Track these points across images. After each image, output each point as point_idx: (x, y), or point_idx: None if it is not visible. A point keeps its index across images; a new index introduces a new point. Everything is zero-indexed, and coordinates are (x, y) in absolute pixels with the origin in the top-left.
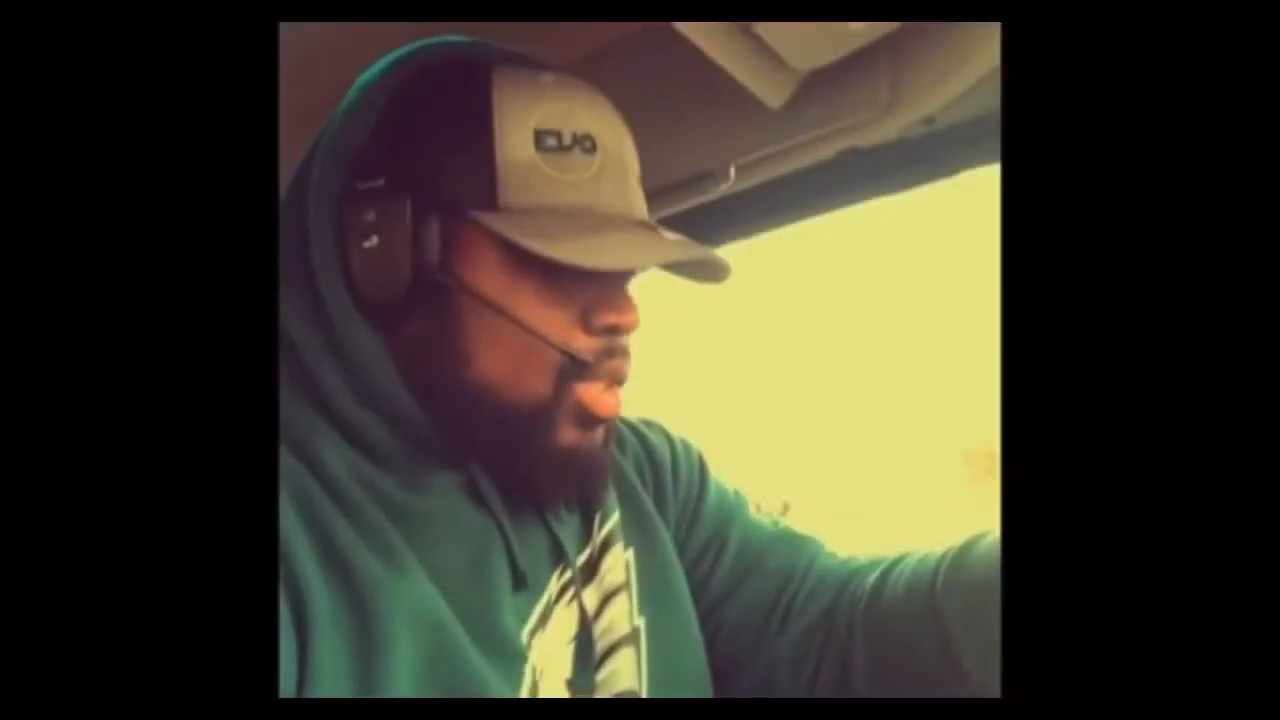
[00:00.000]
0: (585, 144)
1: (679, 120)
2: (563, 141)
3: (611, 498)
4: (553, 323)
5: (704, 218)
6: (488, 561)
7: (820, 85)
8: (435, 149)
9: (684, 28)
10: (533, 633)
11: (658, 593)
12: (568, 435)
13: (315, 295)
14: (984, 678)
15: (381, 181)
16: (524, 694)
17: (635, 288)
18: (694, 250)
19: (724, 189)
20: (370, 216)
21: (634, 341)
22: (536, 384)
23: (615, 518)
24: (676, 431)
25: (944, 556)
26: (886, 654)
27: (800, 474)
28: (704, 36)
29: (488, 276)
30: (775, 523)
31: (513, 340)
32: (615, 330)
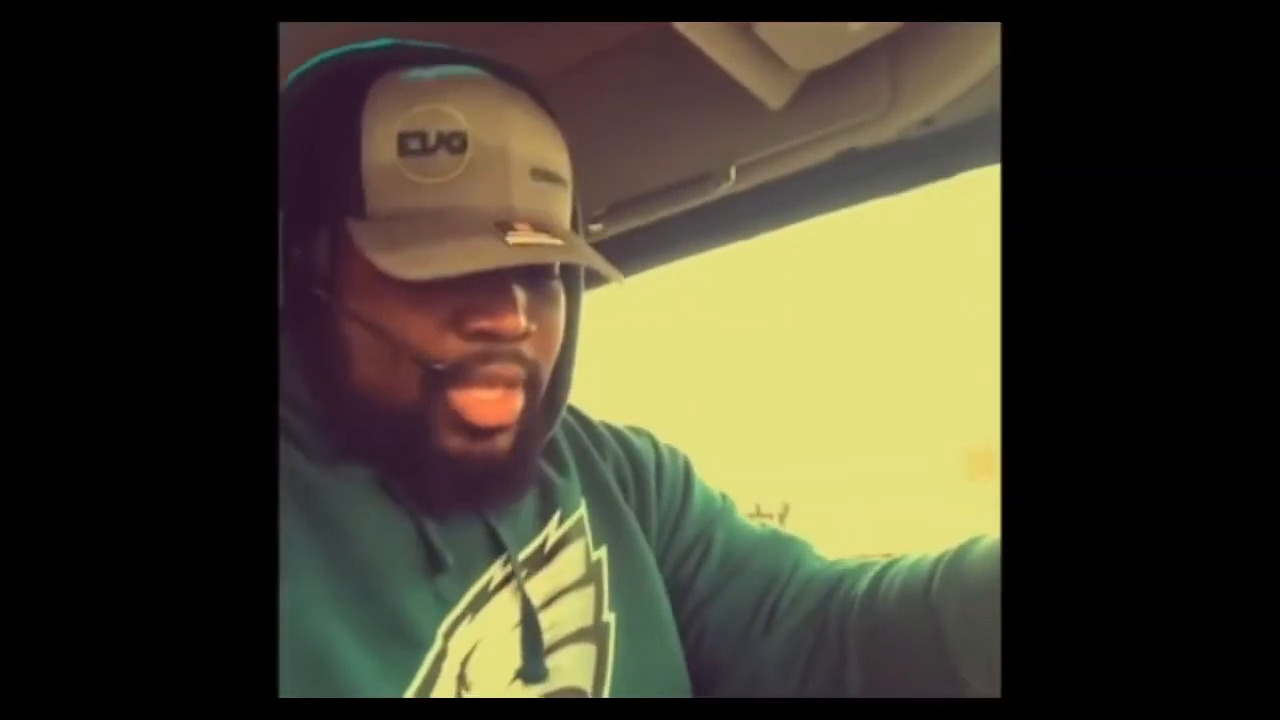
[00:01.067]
0: (453, 143)
1: (679, 121)
2: (426, 143)
3: (575, 495)
4: (420, 329)
5: (704, 218)
6: (398, 549)
7: (820, 86)
8: (313, 161)
9: (684, 28)
10: (457, 621)
11: (629, 592)
12: (451, 442)
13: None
14: (982, 686)
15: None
16: (419, 681)
17: (634, 290)
18: (535, 255)
19: (724, 190)
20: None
21: (635, 344)
22: (406, 391)
23: (578, 515)
24: (678, 432)
25: (939, 561)
26: (881, 662)
27: (801, 475)
28: (704, 37)
29: (359, 284)
30: (764, 526)
31: (380, 348)
32: (489, 335)
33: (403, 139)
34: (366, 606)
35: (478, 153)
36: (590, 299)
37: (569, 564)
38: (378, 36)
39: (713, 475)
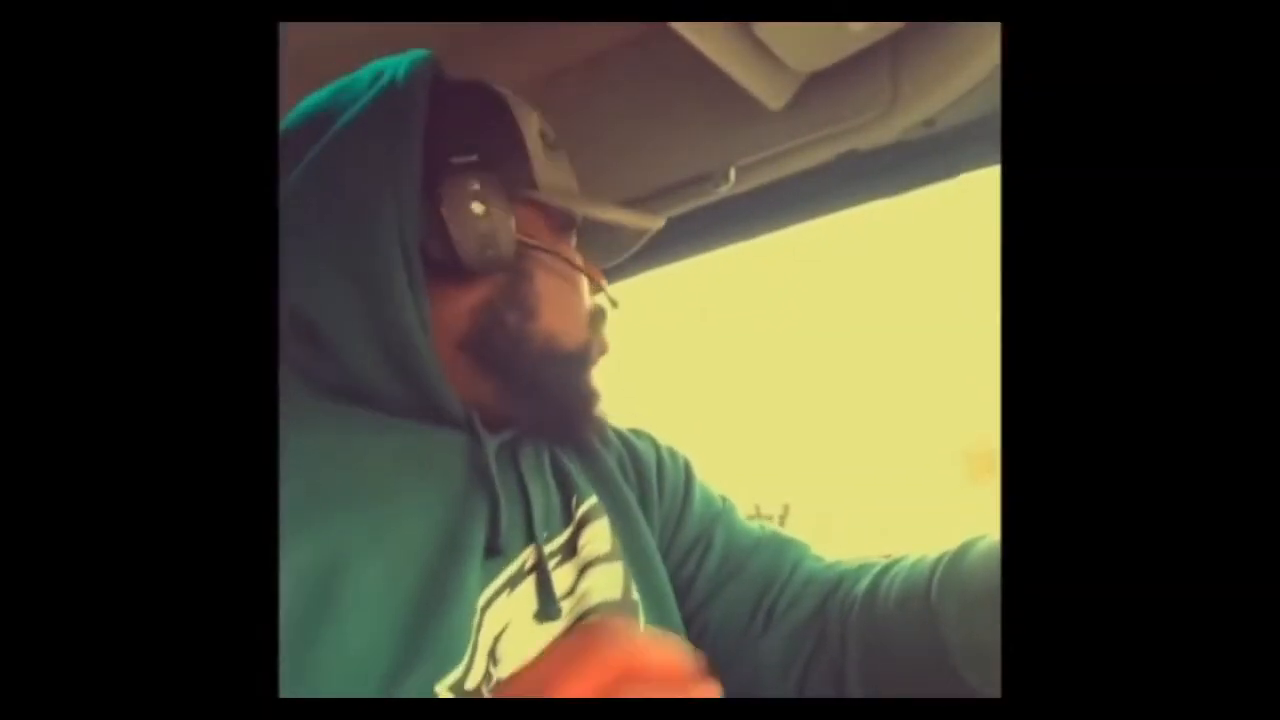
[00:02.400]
0: (556, 142)
1: (679, 122)
2: (548, 140)
3: (587, 486)
4: (580, 278)
5: (704, 219)
6: (465, 527)
7: (821, 87)
8: (483, 142)
9: (684, 28)
10: (495, 595)
11: (641, 581)
12: (593, 378)
13: (356, 267)
14: (984, 687)
15: (475, 157)
16: (467, 656)
17: (634, 291)
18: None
19: (724, 191)
20: (475, 186)
21: (635, 345)
22: (581, 331)
23: (593, 499)
24: (678, 432)
25: (938, 561)
26: (881, 663)
27: (801, 475)
28: (704, 37)
29: (547, 240)
30: (763, 527)
31: (566, 294)
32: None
33: (543, 135)
34: (420, 575)
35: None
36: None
37: (595, 539)
38: (377, 37)
39: (713, 475)
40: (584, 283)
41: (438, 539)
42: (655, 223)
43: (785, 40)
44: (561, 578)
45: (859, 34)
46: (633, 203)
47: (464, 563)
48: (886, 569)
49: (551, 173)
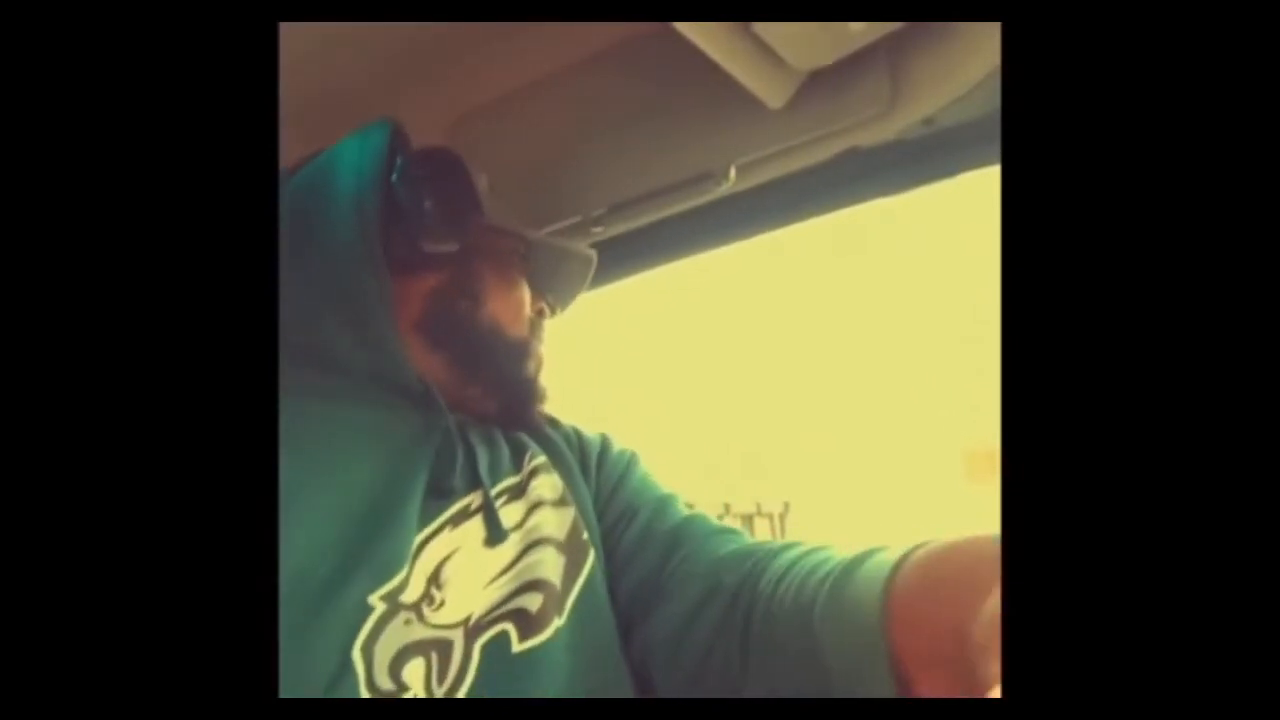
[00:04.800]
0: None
1: (679, 120)
2: (491, 183)
3: (537, 446)
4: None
5: (704, 218)
6: (409, 470)
7: (821, 86)
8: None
9: (684, 28)
10: (438, 530)
11: (589, 525)
12: (535, 365)
13: (331, 252)
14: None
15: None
16: (401, 574)
17: (635, 291)
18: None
19: (724, 189)
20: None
21: (636, 345)
22: (523, 327)
23: (542, 458)
24: (679, 431)
25: (827, 577)
26: (776, 667)
27: (801, 474)
28: (704, 36)
29: (493, 268)
30: (699, 516)
31: (510, 290)
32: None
33: (492, 186)
34: (363, 503)
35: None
36: (592, 299)
37: (543, 487)
38: (377, 36)
39: (714, 474)
40: (527, 294)
41: (383, 477)
42: (589, 254)
43: (785, 39)
44: (510, 514)
45: (859, 33)
46: (633, 201)
47: (405, 498)
48: (798, 559)
49: (496, 211)
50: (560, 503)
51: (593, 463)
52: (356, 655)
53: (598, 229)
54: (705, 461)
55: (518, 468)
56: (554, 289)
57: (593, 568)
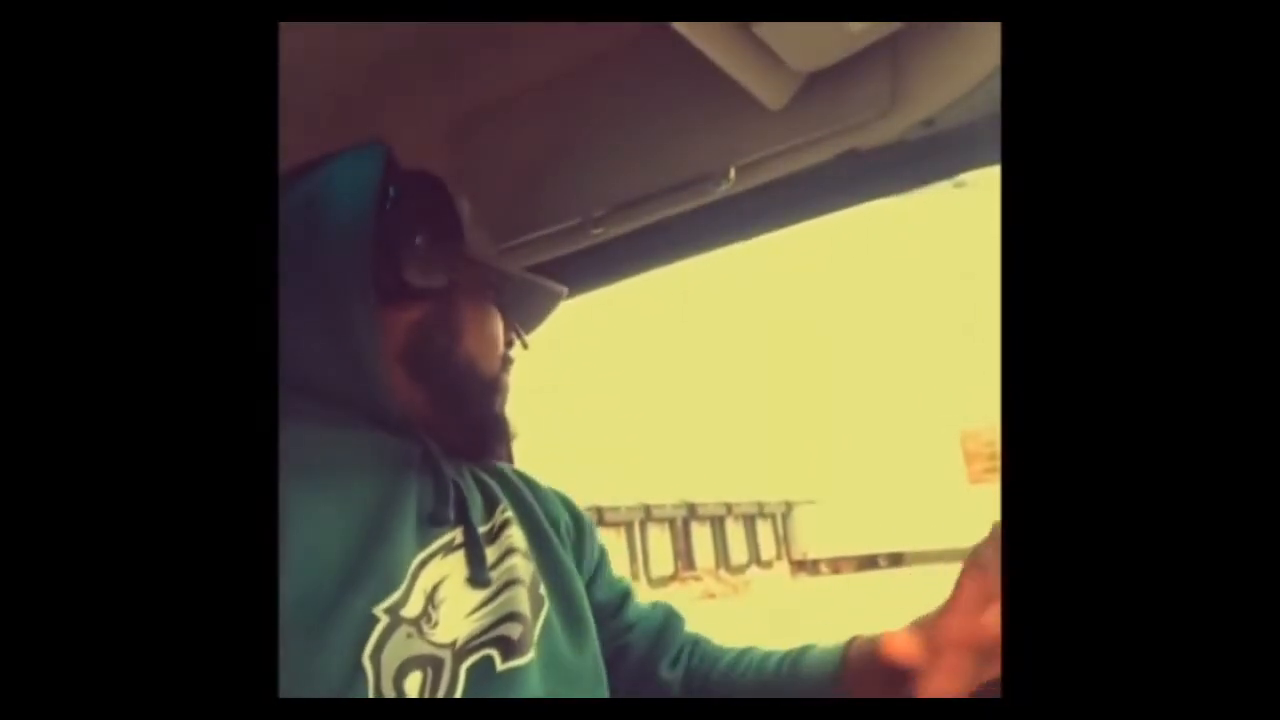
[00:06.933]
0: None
1: (679, 121)
2: (475, 216)
3: (505, 502)
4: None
5: (704, 219)
6: (401, 496)
7: (821, 86)
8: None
9: (684, 28)
10: (431, 555)
11: (550, 577)
12: (502, 402)
13: (324, 281)
14: None
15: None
16: (401, 589)
17: (635, 291)
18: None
19: (724, 190)
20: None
21: (636, 345)
22: (496, 364)
23: (509, 512)
24: (680, 431)
25: (785, 658)
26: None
27: (802, 474)
28: (704, 37)
29: (472, 294)
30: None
31: (486, 328)
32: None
33: (473, 215)
34: (367, 539)
35: None
36: (593, 299)
37: (514, 537)
38: (377, 37)
39: (716, 474)
40: (500, 328)
41: (378, 497)
42: (559, 289)
43: (785, 40)
44: (487, 554)
45: (859, 34)
46: (633, 202)
47: (401, 518)
48: (740, 656)
49: (480, 245)
50: (525, 554)
51: (584, 542)
52: (366, 662)
53: (598, 230)
54: (709, 461)
55: (489, 515)
56: (522, 321)
57: (548, 615)
